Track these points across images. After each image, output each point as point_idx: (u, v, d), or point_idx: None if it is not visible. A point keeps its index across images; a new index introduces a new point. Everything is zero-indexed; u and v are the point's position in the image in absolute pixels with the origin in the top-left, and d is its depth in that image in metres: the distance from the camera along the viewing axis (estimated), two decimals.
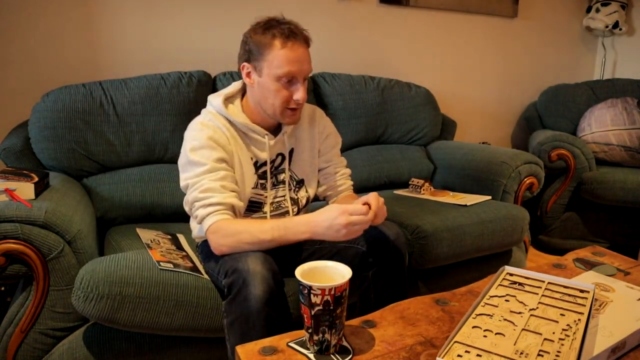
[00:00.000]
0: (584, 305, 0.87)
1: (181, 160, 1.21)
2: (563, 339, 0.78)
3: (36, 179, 1.26)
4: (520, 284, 0.96)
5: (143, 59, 1.95)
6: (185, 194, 1.20)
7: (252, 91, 1.24)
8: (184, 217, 1.35)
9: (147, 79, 1.72)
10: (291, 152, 1.33)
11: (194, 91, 1.74)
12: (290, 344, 0.83)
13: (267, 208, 1.28)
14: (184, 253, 1.37)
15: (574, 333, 0.79)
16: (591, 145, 2.46)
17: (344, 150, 2.09)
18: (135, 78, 1.72)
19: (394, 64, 2.52)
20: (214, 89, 1.81)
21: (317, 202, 1.45)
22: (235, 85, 1.31)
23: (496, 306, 0.88)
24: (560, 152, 2.32)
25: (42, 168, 1.56)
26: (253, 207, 1.28)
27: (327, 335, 0.79)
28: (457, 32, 2.67)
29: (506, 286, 0.95)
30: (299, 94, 1.18)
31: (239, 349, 0.82)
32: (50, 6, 1.77)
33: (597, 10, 2.93)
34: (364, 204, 1.08)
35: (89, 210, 1.50)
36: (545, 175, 2.03)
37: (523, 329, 0.81)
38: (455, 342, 0.77)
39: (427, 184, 2.01)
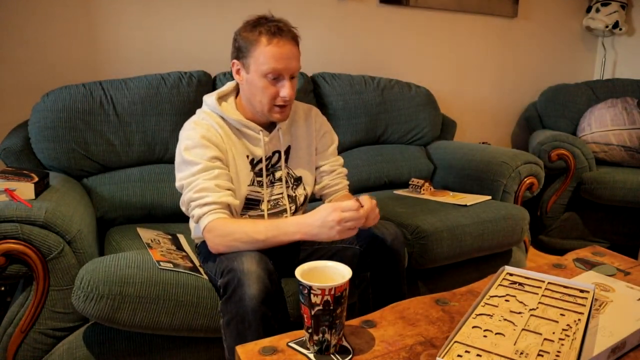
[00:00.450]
0: (584, 305, 0.87)
1: (176, 160, 1.21)
2: (563, 339, 0.78)
3: (36, 179, 1.26)
4: (520, 284, 0.96)
5: (143, 59, 1.95)
6: (181, 195, 1.20)
7: (242, 88, 1.25)
8: (184, 217, 1.35)
9: (147, 79, 1.72)
10: (288, 149, 1.33)
11: (194, 91, 1.74)
12: (290, 344, 0.83)
13: (264, 206, 1.28)
14: (184, 253, 1.37)
15: (574, 333, 0.79)
16: (591, 145, 2.46)
17: (344, 150, 2.09)
18: (135, 78, 1.72)
19: (394, 64, 2.52)
20: (214, 89, 1.79)
21: (314, 202, 1.45)
22: (229, 85, 1.32)
23: (496, 306, 0.88)
24: (560, 152, 2.32)
25: (42, 168, 1.56)
26: (251, 205, 1.27)
27: (327, 335, 0.79)
28: (457, 32, 2.67)
29: (506, 286, 0.95)
30: (285, 90, 1.18)
31: (239, 349, 0.82)
32: (50, 6, 1.77)
33: (597, 10, 2.93)
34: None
35: (89, 210, 1.50)
36: (545, 175, 2.03)
37: (523, 329, 0.81)
38: (455, 342, 0.77)
39: (427, 184, 2.01)
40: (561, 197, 2.39)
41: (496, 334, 0.80)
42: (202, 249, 1.29)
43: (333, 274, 0.84)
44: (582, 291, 0.92)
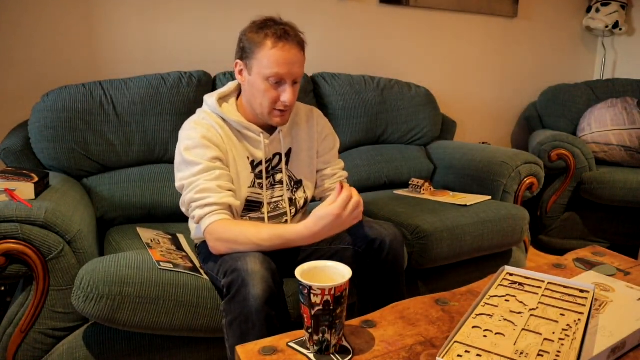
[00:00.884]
0: (584, 305, 0.87)
1: (176, 160, 1.21)
2: (563, 339, 0.78)
3: (36, 179, 1.26)
4: (520, 284, 0.96)
5: (143, 59, 1.95)
6: (181, 195, 1.20)
7: (244, 89, 1.25)
8: (184, 217, 1.35)
9: (147, 79, 1.72)
10: (289, 152, 1.32)
11: (194, 91, 1.74)
12: (290, 344, 0.83)
13: (264, 209, 1.28)
14: (184, 253, 1.37)
15: (574, 333, 0.79)
16: (591, 145, 2.46)
17: (344, 150, 2.09)
18: (135, 78, 1.72)
19: (394, 64, 2.52)
20: (214, 89, 1.80)
21: (313, 202, 1.45)
22: (230, 85, 1.31)
23: (496, 306, 0.88)
24: (560, 152, 2.32)
25: (42, 168, 1.56)
26: (251, 207, 1.27)
27: (327, 335, 0.79)
28: (457, 32, 2.67)
29: (506, 286, 0.95)
30: (286, 95, 1.17)
31: (239, 349, 0.82)
32: (50, 6, 1.77)
33: (597, 10, 2.93)
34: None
35: (89, 210, 1.50)
36: (545, 175, 2.03)
37: (523, 329, 0.81)
38: (455, 342, 0.77)
39: (427, 184, 2.01)
40: (561, 197, 2.39)
41: (496, 334, 0.80)
42: (202, 249, 1.29)
43: (333, 274, 0.84)
44: (582, 291, 0.92)
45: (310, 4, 2.23)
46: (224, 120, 1.24)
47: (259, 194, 1.27)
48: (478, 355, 0.74)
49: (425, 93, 2.31)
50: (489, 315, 0.85)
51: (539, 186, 2.01)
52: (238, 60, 1.21)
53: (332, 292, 0.77)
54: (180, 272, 1.20)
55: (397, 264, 1.24)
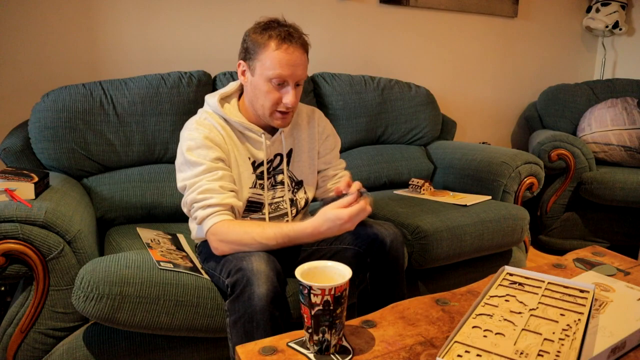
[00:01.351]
0: (584, 305, 0.87)
1: (177, 160, 1.21)
2: (563, 339, 0.78)
3: (36, 179, 1.26)
4: (520, 284, 0.96)
5: (143, 59, 1.95)
6: (182, 195, 1.19)
7: (246, 90, 1.24)
8: (184, 217, 1.35)
9: (147, 79, 1.72)
10: (290, 152, 1.32)
11: (194, 91, 1.74)
12: (290, 344, 0.83)
13: (265, 209, 1.28)
14: (184, 253, 1.37)
15: (574, 333, 0.79)
16: (591, 145, 2.46)
17: (344, 150, 2.09)
18: (135, 78, 1.72)
19: (394, 64, 2.52)
20: (214, 89, 1.81)
21: (313, 201, 1.45)
22: (232, 85, 1.31)
23: (496, 306, 0.88)
24: (560, 152, 2.32)
25: (42, 168, 1.56)
26: (252, 208, 1.27)
27: (327, 335, 0.79)
28: (457, 32, 2.67)
29: (506, 286, 0.95)
30: (289, 97, 1.17)
31: (239, 349, 0.82)
32: (50, 6, 1.77)
33: (597, 10, 2.93)
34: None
35: (89, 210, 1.50)
36: (545, 175, 2.03)
37: (523, 329, 0.81)
38: (455, 342, 0.77)
39: (427, 184, 2.01)
40: (561, 197, 2.39)
41: (496, 334, 0.80)
42: (202, 248, 1.29)
43: (333, 274, 0.84)
44: (582, 291, 0.92)
45: (310, 4, 2.23)
46: (225, 120, 1.23)
47: (260, 194, 1.27)
48: (478, 355, 0.74)
49: (425, 93, 2.31)
50: (489, 315, 0.85)
51: (539, 186, 2.01)
52: (241, 61, 1.21)
53: (332, 292, 0.77)
54: (181, 271, 1.20)
55: (397, 264, 1.24)
